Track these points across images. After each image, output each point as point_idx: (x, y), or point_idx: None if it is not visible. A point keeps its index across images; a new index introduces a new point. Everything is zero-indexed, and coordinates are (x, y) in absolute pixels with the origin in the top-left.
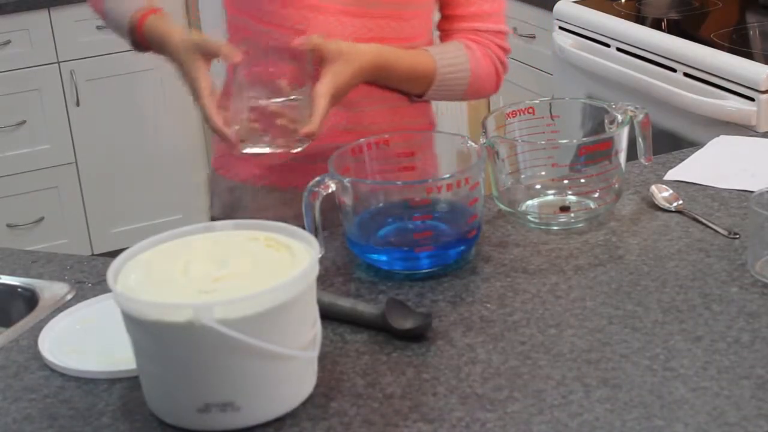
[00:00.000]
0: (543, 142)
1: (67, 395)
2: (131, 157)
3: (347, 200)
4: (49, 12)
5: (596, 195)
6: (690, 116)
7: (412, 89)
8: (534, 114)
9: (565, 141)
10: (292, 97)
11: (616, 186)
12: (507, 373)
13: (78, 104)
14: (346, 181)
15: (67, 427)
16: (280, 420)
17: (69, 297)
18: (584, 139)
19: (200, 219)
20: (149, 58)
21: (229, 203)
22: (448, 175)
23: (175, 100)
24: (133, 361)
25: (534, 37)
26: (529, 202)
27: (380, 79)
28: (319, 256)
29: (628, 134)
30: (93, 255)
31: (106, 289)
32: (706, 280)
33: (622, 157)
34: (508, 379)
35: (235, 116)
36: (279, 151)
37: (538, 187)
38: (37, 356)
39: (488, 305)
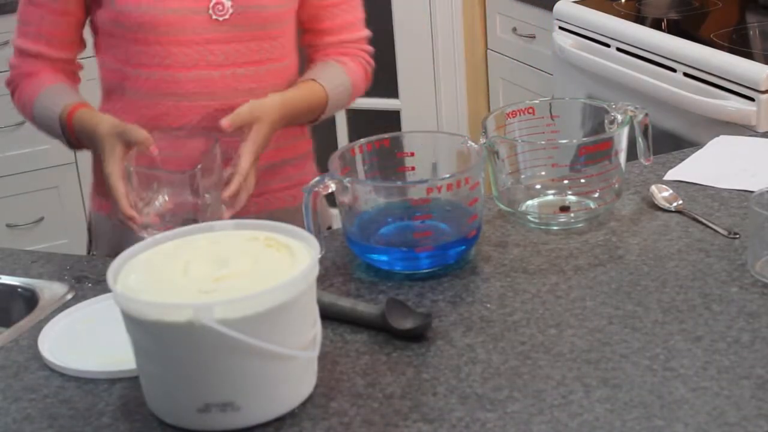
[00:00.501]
0: (543, 142)
1: (67, 395)
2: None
3: (347, 200)
4: None
5: (596, 195)
6: (690, 116)
7: (310, 120)
8: (534, 114)
9: (565, 141)
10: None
11: (616, 186)
12: (507, 373)
13: None
14: (346, 181)
15: (67, 427)
16: (280, 420)
17: (69, 297)
18: (584, 139)
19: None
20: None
21: (118, 243)
22: (448, 175)
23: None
24: (132, 361)
25: (534, 37)
26: (529, 202)
27: (288, 124)
28: (319, 256)
29: (628, 134)
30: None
31: (106, 289)
32: (706, 280)
33: (622, 157)
34: (508, 379)
35: (137, 204)
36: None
37: (538, 187)
38: (37, 356)
39: (488, 305)
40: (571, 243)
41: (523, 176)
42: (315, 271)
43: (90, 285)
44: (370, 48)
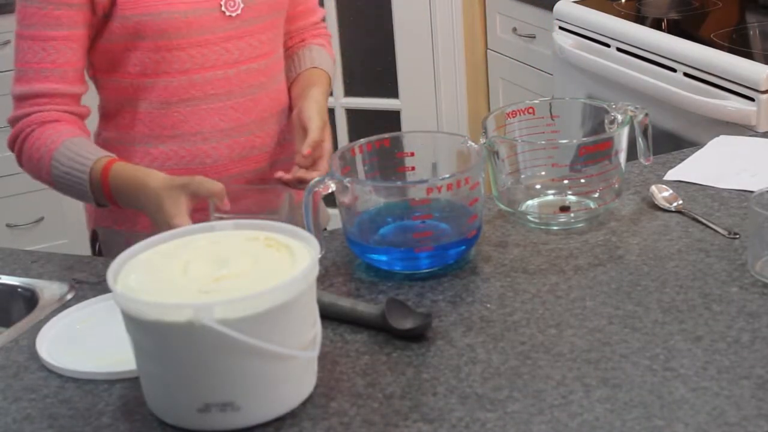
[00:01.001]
0: (543, 142)
1: (67, 395)
2: None
3: (347, 200)
4: None
5: (596, 195)
6: (690, 116)
7: None
8: (534, 114)
9: (565, 141)
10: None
11: (616, 186)
12: (507, 373)
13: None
14: (346, 181)
15: (67, 427)
16: (280, 420)
17: (69, 297)
18: (584, 139)
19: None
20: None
21: None
22: (448, 175)
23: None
24: (131, 362)
25: (534, 37)
26: (529, 202)
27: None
28: (319, 256)
29: (628, 134)
30: (94, 253)
31: (106, 289)
32: (706, 280)
33: (622, 157)
34: (508, 379)
35: None
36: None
37: (538, 187)
38: (37, 356)
39: (488, 305)
40: (571, 243)
41: (523, 176)
42: (315, 271)
43: (90, 285)
44: (325, 25)
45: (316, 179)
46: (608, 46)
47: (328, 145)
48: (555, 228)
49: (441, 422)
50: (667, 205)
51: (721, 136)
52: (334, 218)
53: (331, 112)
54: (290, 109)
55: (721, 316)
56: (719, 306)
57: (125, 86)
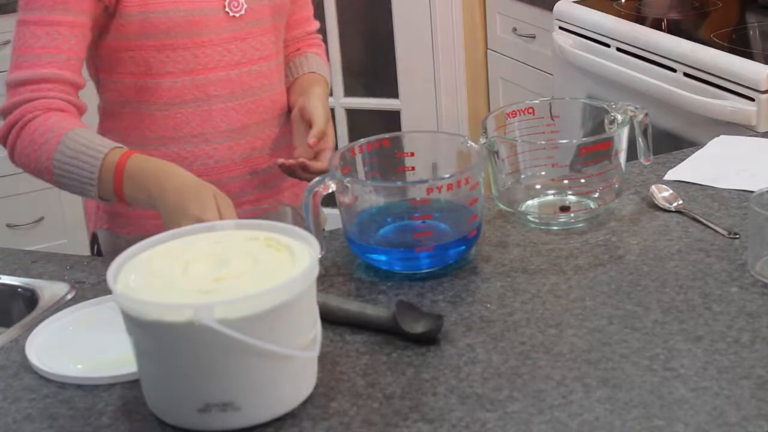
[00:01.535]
0: (543, 142)
1: (67, 395)
2: None
3: (347, 200)
4: None
5: (596, 195)
6: (690, 116)
7: None
8: (534, 114)
9: (565, 141)
10: None
11: (616, 186)
12: (507, 373)
13: None
14: (346, 181)
15: (67, 427)
16: (280, 420)
17: (69, 297)
18: (584, 139)
19: None
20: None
21: None
22: (448, 175)
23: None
24: (131, 363)
25: (534, 37)
26: (529, 202)
27: None
28: (320, 256)
29: (628, 134)
30: (93, 255)
31: (106, 289)
32: (706, 280)
33: (622, 157)
34: (508, 379)
35: None
36: None
37: (538, 187)
38: None
39: (488, 305)
40: (571, 243)
41: (523, 176)
42: (315, 271)
43: (90, 285)
44: (320, 35)
45: (317, 179)
46: (608, 46)
47: (331, 138)
48: (555, 228)
49: (441, 422)
50: (667, 205)
51: (721, 136)
52: (334, 218)
53: (331, 112)
54: (289, 110)
55: (721, 316)
56: (719, 306)
57: (128, 86)
